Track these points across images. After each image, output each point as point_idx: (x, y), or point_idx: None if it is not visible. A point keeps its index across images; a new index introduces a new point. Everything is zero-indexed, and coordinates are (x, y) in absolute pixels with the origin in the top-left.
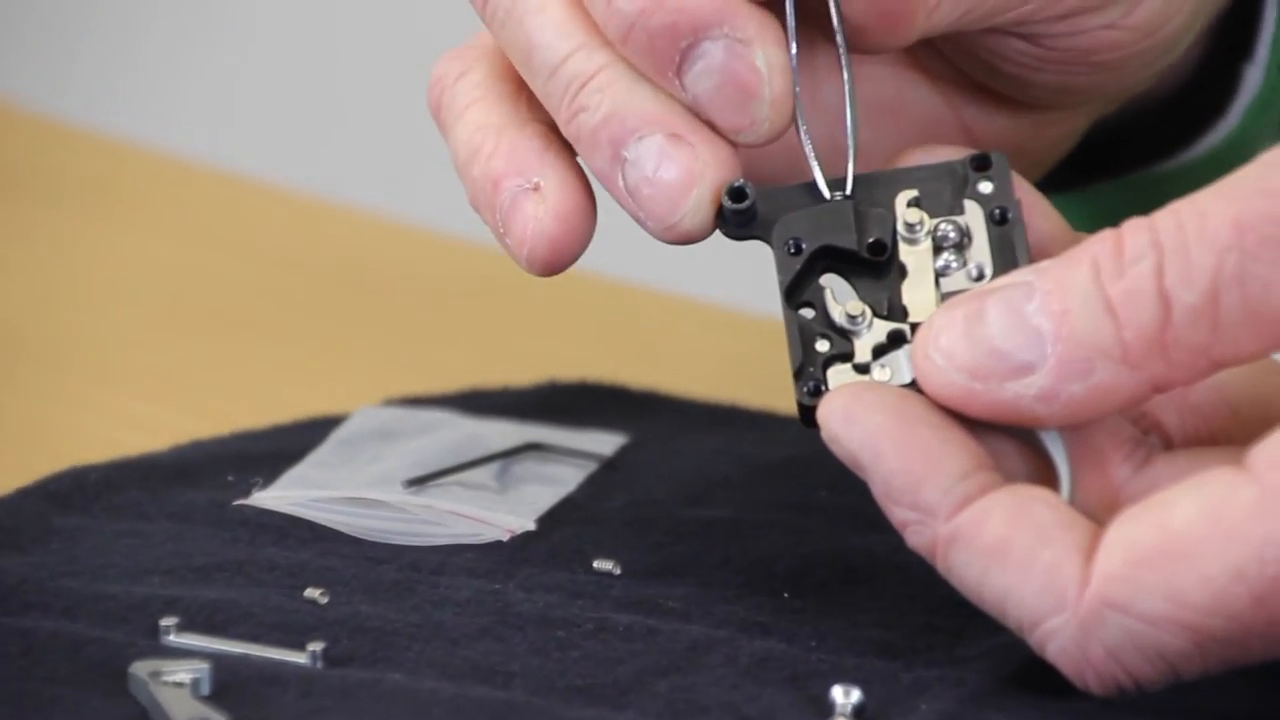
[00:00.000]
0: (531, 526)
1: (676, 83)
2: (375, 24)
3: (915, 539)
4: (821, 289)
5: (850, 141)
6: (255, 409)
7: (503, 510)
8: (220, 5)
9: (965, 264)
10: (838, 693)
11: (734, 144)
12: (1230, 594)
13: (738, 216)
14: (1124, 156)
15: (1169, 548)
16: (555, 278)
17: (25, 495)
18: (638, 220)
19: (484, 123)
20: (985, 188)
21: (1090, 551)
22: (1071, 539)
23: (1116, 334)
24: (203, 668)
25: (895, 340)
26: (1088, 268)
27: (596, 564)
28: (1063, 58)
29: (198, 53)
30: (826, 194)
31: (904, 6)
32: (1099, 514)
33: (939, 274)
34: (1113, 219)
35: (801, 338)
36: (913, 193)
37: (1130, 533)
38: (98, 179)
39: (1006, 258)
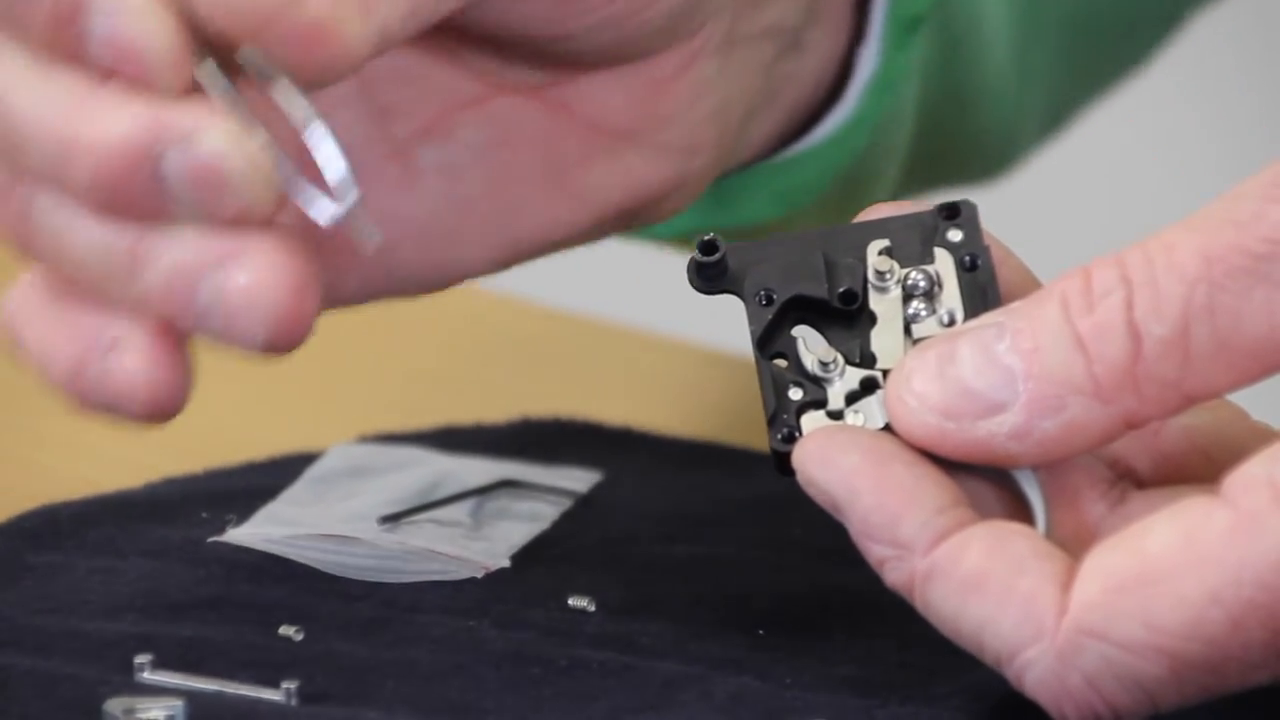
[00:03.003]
0: (506, 563)
1: (169, 209)
2: None
3: (893, 576)
4: (794, 339)
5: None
6: (229, 446)
7: (477, 547)
8: None
9: (936, 311)
10: None
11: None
12: (1207, 618)
13: (709, 270)
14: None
15: (1145, 573)
16: (531, 314)
17: None
18: (238, 346)
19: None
20: (955, 235)
21: (1067, 582)
22: (1049, 569)
23: (1087, 369)
24: (177, 705)
25: (868, 387)
26: (1056, 304)
27: (571, 601)
28: (584, 9)
29: None
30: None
31: (321, 30)
32: (1075, 552)
33: (910, 321)
34: (741, 213)
35: (775, 386)
36: (884, 242)
37: (1107, 561)
38: None
39: (977, 303)
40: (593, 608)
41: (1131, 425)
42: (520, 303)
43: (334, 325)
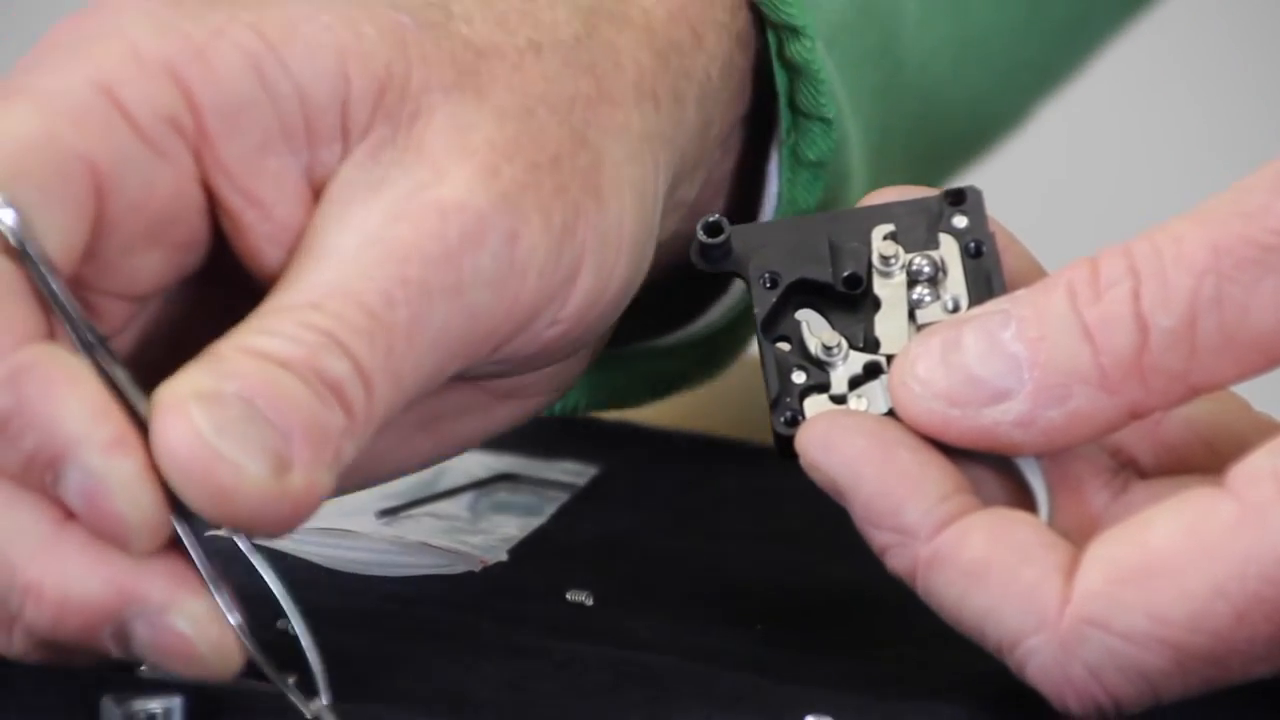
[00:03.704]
0: (504, 557)
1: (121, 651)
2: None
3: (895, 562)
4: (797, 322)
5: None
6: None
7: (475, 541)
8: None
9: (940, 296)
10: None
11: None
12: (1211, 610)
13: (713, 251)
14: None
15: (1149, 565)
16: None
17: None
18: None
19: None
20: (960, 221)
21: (1071, 571)
22: (1052, 559)
23: (1093, 359)
24: (175, 700)
25: (871, 372)
26: (1064, 293)
27: (569, 595)
28: (530, 363)
29: None
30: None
31: (302, 505)
32: (1077, 540)
33: (914, 306)
34: (612, 393)
35: (778, 369)
36: (889, 227)
37: (1110, 551)
38: None
39: (982, 289)
40: (591, 602)
41: (1136, 416)
42: None
43: None
